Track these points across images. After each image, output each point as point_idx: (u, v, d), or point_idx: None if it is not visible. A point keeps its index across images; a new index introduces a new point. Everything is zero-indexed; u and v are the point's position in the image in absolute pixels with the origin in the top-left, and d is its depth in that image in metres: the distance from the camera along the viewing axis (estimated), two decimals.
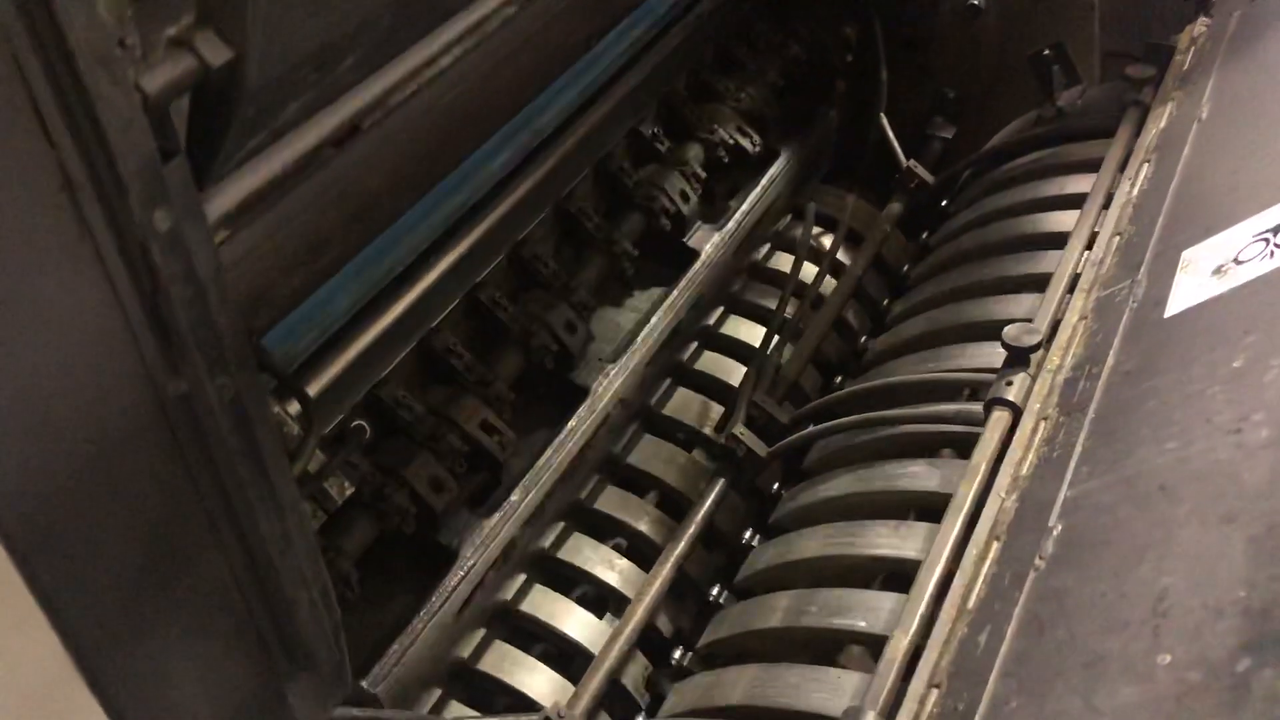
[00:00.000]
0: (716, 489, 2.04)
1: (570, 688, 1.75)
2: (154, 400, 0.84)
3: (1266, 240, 1.41)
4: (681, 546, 1.95)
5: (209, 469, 0.88)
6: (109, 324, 0.78)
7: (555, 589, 1.87)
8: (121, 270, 0.76)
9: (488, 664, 1.74)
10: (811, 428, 1.98)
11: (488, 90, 1.63)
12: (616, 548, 1.96)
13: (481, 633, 1.77)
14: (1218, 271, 1.45)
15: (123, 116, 0.71)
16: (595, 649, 1.80)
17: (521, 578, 1.86)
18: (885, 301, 2.45)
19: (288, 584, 1.00)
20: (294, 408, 1.34)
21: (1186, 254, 1.55)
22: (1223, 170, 1.73)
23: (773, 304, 2.24)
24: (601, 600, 1.91)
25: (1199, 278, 1.48)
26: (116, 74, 0.70)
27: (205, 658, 0.96)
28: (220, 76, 0.89)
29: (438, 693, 1.70)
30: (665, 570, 1.92)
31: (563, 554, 1.91)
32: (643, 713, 1.81)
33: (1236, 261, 1.43)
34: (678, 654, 1.90)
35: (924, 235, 2.51)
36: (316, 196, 1.37)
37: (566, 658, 1.83)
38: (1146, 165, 1.95)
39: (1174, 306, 1.48)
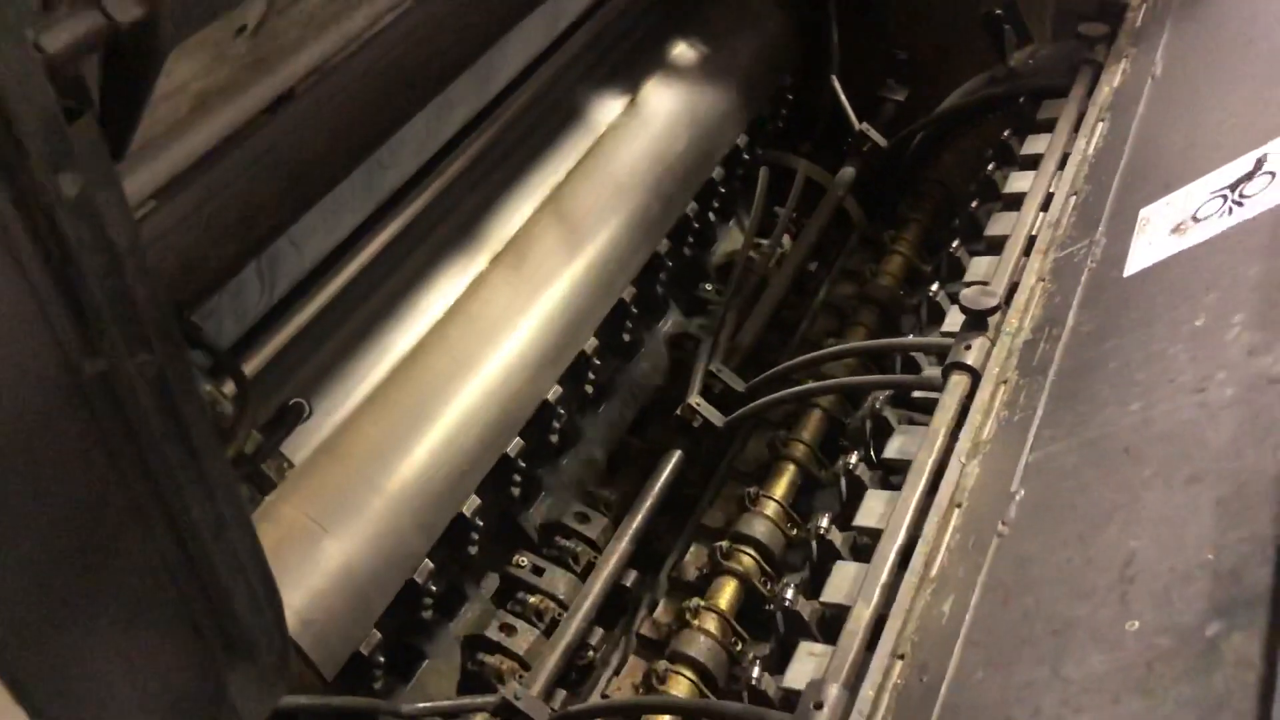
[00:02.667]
0: (674, 461, 2.00)
1: None
2: (70, 379, 0.78)
3: (1224, 197, 1.39)
4: (639, 520, 1.92)
5: (133, 451, 0.83)
6: (16, 298, 0.72)
7: None
8: (26, 239, 0.70)
9: None
10: (768, 396, 1.95)
11: (430, 51, 1.57)
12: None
13: None
14: (1176, 229, 1.43)
15: (16, 73, 0.65)
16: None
17: None
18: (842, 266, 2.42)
19: (223, 571, 0.95)
20: (230, 388, 1.28)
21: (1144, 212, 1.53)
22: (1178, 127, 1.71)
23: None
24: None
25: (1157, 236, 1.46)
26: (8, 28, 0.64)
27: (135, 650, 0.91)
28: (132, 36, 0.83)
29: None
30: (622, 545, 1.89)
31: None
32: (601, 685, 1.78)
33: (1195, 219, 1.41)
34: (637, 626, 1.87)
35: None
36: (250, 164, 1.31)
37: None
38: (1101, 124, 1.93)
39: (1133, 265, 1.46)
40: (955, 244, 2.11)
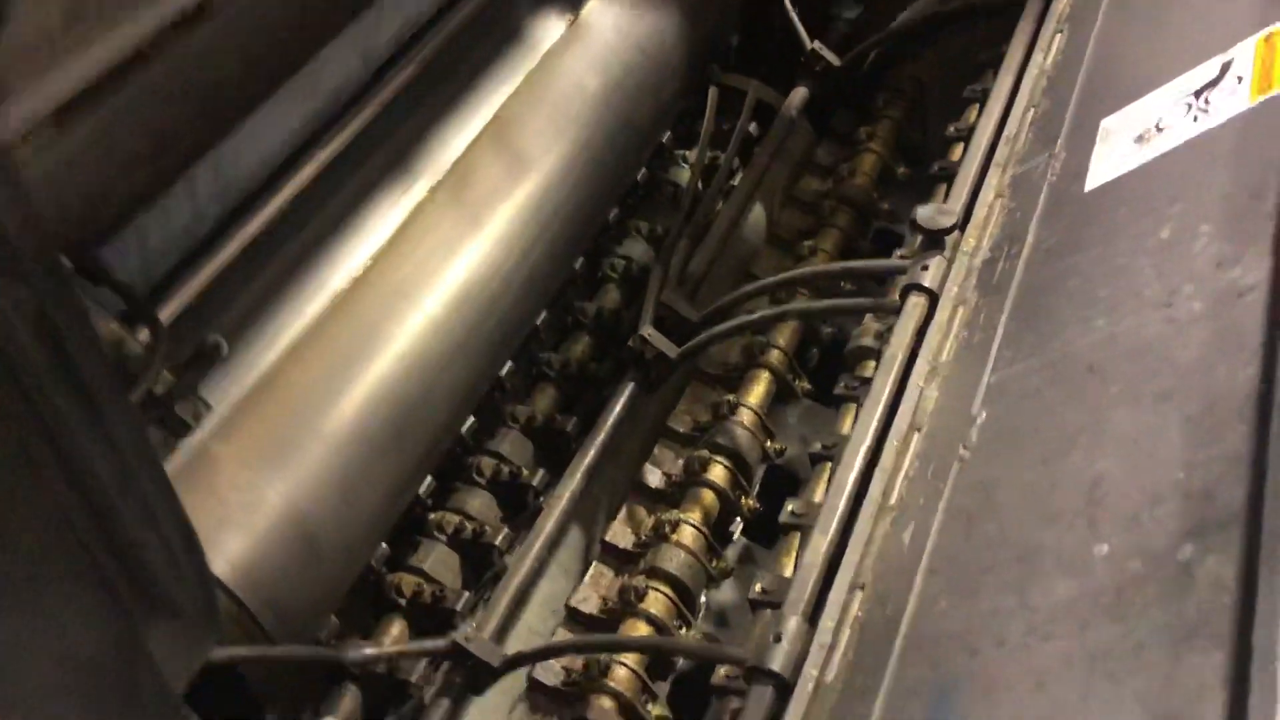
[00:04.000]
0: (627, 393, 1.94)
1: None
2: None
3: (1189, 104, 1.33)
4: (591, 455, 1.86)
5: (14, 395, 0.75)
6: None
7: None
8: None
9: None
10: (721, 325, 1.89)
11: None
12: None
13: None
14: (1140, 139, 1.37)
15: None
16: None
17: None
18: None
19: (131, 523, 0.87)
20: (144, 335, 1.20)
21: (1106, 123, 1.47)
22: (1139, 35, 1.65)
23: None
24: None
25: (1120, 147, 1.40)
26: None
27: (39, 612, 0.84)
28: None
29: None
30: (574, 482, 1.83)
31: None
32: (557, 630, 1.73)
33: (1158, 128, 1.36)
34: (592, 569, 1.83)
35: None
36: (159, 86, 1.22)
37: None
38: (1059, 35, 1.86)
39: (1095, 179, 1.41)
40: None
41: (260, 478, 1.51)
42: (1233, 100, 1.26)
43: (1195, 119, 1.30)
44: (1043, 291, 1.31)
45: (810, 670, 1.12)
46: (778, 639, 1.21)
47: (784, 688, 1.16)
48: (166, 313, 1.31)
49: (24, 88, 1.06)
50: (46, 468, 0.81)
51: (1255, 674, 0.71)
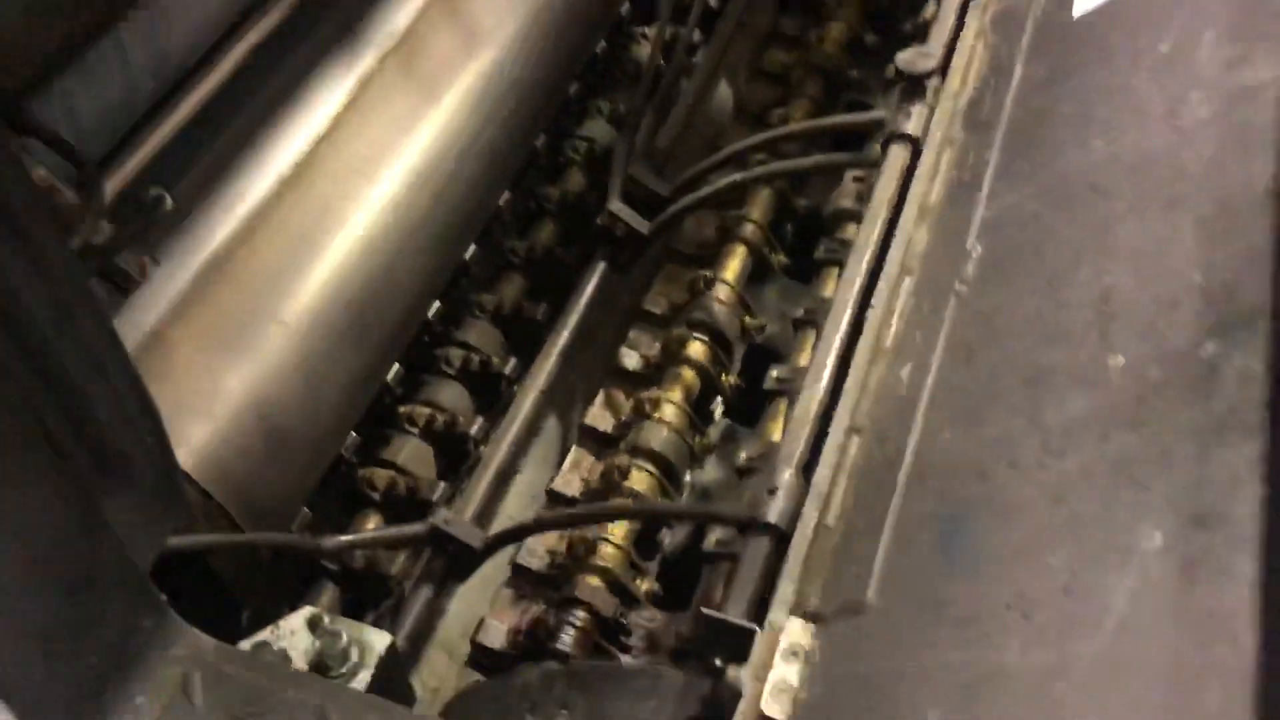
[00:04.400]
0: (598, 273, 1.87)
1: None
2: None
3: None
4: (564, 339, 1.80)
5: None
6: None
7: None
8: None
9: None
10: (693, 195, 1.82)
11: None
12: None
13: None
14: None
15: None
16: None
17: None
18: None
19: (75, 370, 0.80)
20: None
21: None
22: None
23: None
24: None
25: None
26: None
27: None
28: None
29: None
30: (548, 366, 1.77)
31: None
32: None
33: None
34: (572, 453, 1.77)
35: None
36: None
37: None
38: None
39: (1081, 5, 1.34)
40: None
41: (219, 362, 1.44)
42: None
43: None
44: (1035, 122, 1.25)
45: (810, 514, 1.07)
46: (772, 492, 1.16)
47: (782, 538, 1.11)
48: (109, 187, 1.22)
49: None
50: None
51: None
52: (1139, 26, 1.20)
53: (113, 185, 1.31)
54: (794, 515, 1.12)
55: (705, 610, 1.08)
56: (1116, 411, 0.84)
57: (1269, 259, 0.82)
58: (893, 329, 1.19)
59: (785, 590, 1.04)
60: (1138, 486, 0.78)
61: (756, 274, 1.96)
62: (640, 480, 1.62)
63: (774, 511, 1.14)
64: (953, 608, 0.84)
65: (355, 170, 1.62)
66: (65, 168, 1.11)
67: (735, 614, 1.09)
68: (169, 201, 1.23)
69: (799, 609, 1.00)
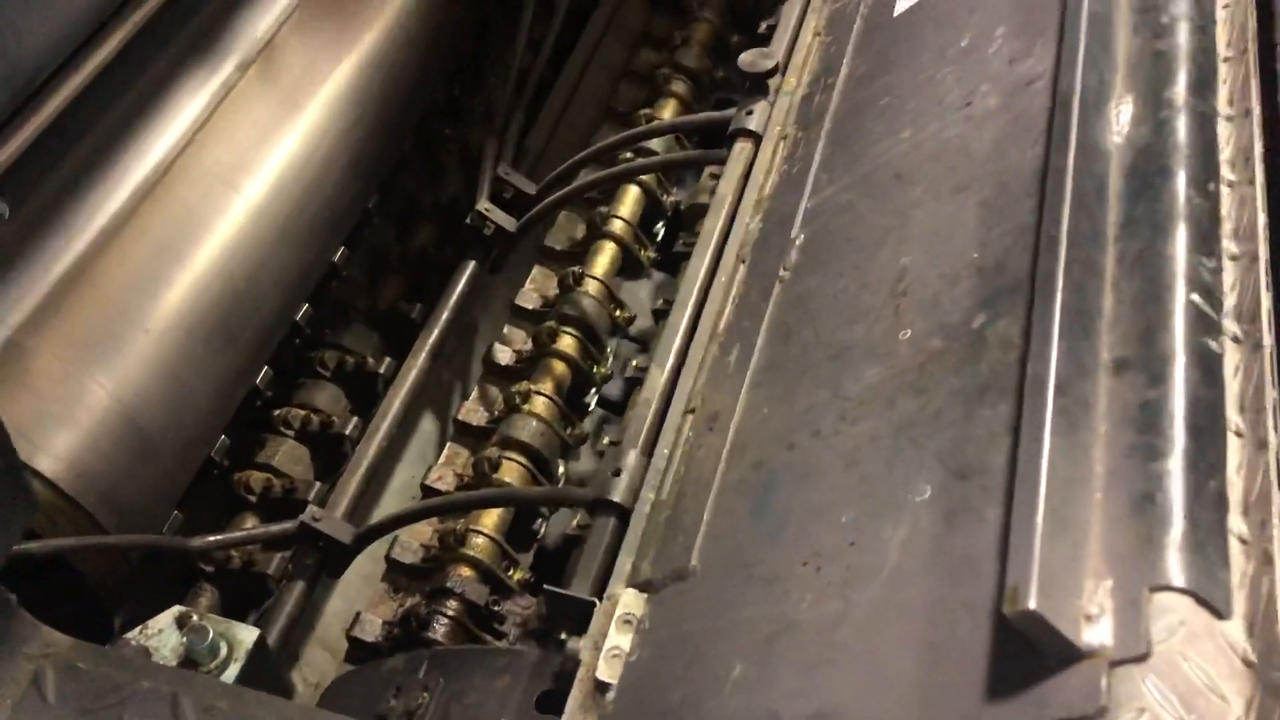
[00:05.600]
0: (469, 271, 1.91)
1: None
2: None
3: None
4: (435, 335, 1.84)
5: None
6: None
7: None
8: None
9: None
10: (558, 193, 1.87)
11: None
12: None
13: None
14: None
15: None
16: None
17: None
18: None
19: None
20: None
21: None
22: None
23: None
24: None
25: None
26: None
27: None
28: None
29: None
30: (419, 362, 1.81)
31: None
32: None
33: None
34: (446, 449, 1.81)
35: None
36: None
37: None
38: None
39: (901, 4, 1.42)
40: None
41: (80, 370, 1.45)
42: None
43: None
44: (856, 115, 1.33)
45: (646, 494, 1.14)
46: (617, 473, 1.22)
47: (624, 515, 1.17)
48: None
49: None
50: None
51: (1027, 410, 0.74)
52: (946, 23, 1.28)
53: None
54: (635, 493, 1.18)
55: (548, 588, 1.14)
56: (902, 380, 0.92)
57: (1032, 235, 0.90)
58: (725, 315, 1.25)
59: (623, 563, 1.09)
60: (916, 446, 0.85)
61: (629, 269, 2.02)
62: (510, 471, 1.67)
63: (617, 490, 1.20)
64: (760, 567, 0.90)
65: (217, 177, 1.64)
66: None
67: (581, 590, 1.15)
68: (6, 211, 1.24)
69: (634, 579, 1.06)
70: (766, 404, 1.06)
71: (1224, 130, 1.02)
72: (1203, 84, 0.98)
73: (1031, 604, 0.64)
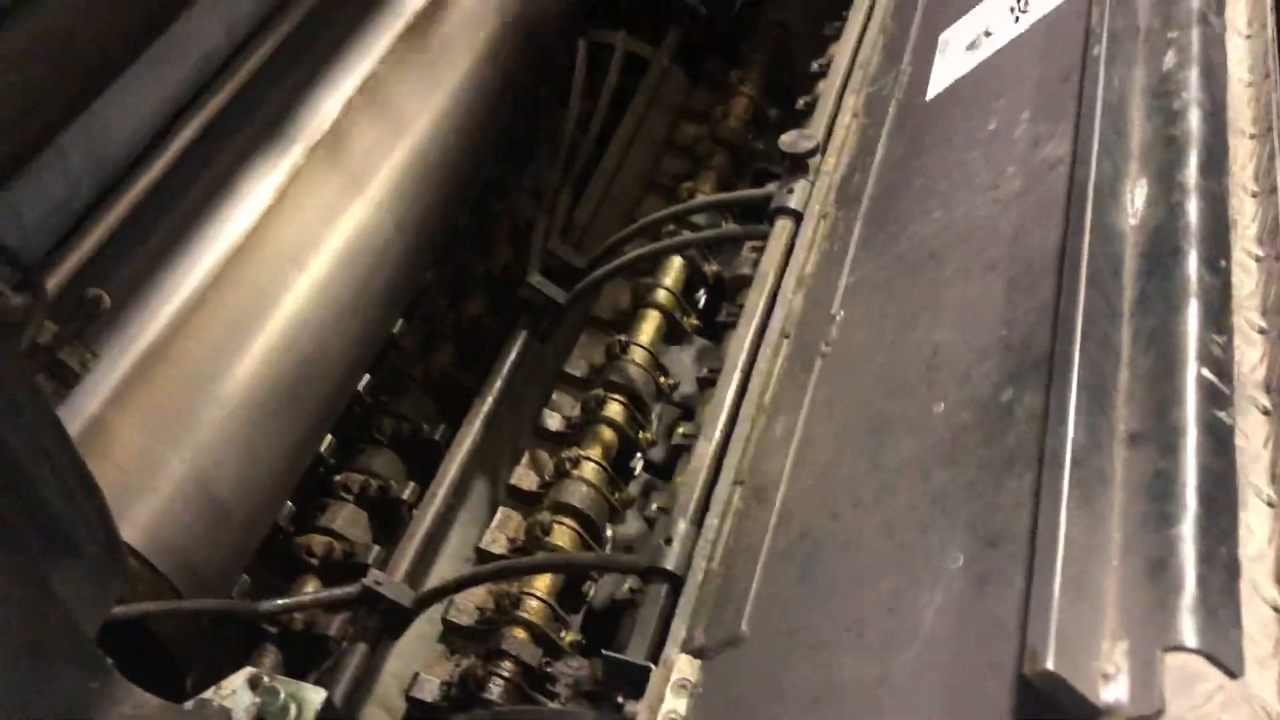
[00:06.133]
0: (520, 341, 2.00)
1: None
2: None
3: (1011, 8, 1.43)
4: (488, 404, 1.91)
5: None
6: None
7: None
8: None
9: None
10: (605, 267, 1.95)
11: None
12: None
13: None
14: (971, 46, 1.46)
15: None
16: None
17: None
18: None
19: (25, 459, 0.91)
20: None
21: (944, 36, 1.56)
22: None
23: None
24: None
25: (955, 56, 1.49)
26: None
27: None
28: None
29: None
30: (474, 430, 1.88)
31: None
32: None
33: (986, 34, 1.45)
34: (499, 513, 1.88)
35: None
36: (17, 52, 1.23)
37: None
38: None
39: (934, 88, 1.50)
40: None
41: (159, 443, 1.54)
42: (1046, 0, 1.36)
43: (1016, 19, 1.39)
44: (891, 196, 1.40)
45: (698, 563, 1.20)
46: (668, 541, 1.28)
47: (676, 582, 1.23)
48: (50, 284, 1.34)
49: None
50: None
51: (1045, 481, 0.79)
52: (974, 107, 1.35)
53: (54, 281, 1.42)
54: (687, 561, 1.24)
55: (606, 653, 1.20)
56: (937, 451, 0.97)
57: (1053, 311, 0.96)
58: (771, 388, 1.32)
59: (677, 629, 1.15)
60: (949, 516, 0.91)
61: (672, 337, 2.09)
62: (562, 535, 1.73)
63: (670, 559, 1.26)
64: (805, 633, 0.96)
65: (286, 256, 1.73)
66: (9, 271, 1.22)
67: (637, 655, 1.21)
68: (106, 301, 1.34)
69: (688, 646, 1.12)
70: (810, 476, 1.12)
71: (1250, 207, 1.08)
72: (1213, 166, 1.04)
73: (1050, 664, 0.69)
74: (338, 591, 1.62)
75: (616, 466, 1.88)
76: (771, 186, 1.85)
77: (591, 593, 1.80)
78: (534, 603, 1.66)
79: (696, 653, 1.10)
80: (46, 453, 0.94)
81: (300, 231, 1.76)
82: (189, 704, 1.31)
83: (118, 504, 1.49)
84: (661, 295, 2.04)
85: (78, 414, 1.44)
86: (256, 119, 1.80)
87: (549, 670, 1.63)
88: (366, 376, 1.89)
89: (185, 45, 1.60)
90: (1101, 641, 0.70)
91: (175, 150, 1.64)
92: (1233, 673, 0.70)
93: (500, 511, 1.88)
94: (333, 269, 1.78)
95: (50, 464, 0.95)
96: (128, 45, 1.44)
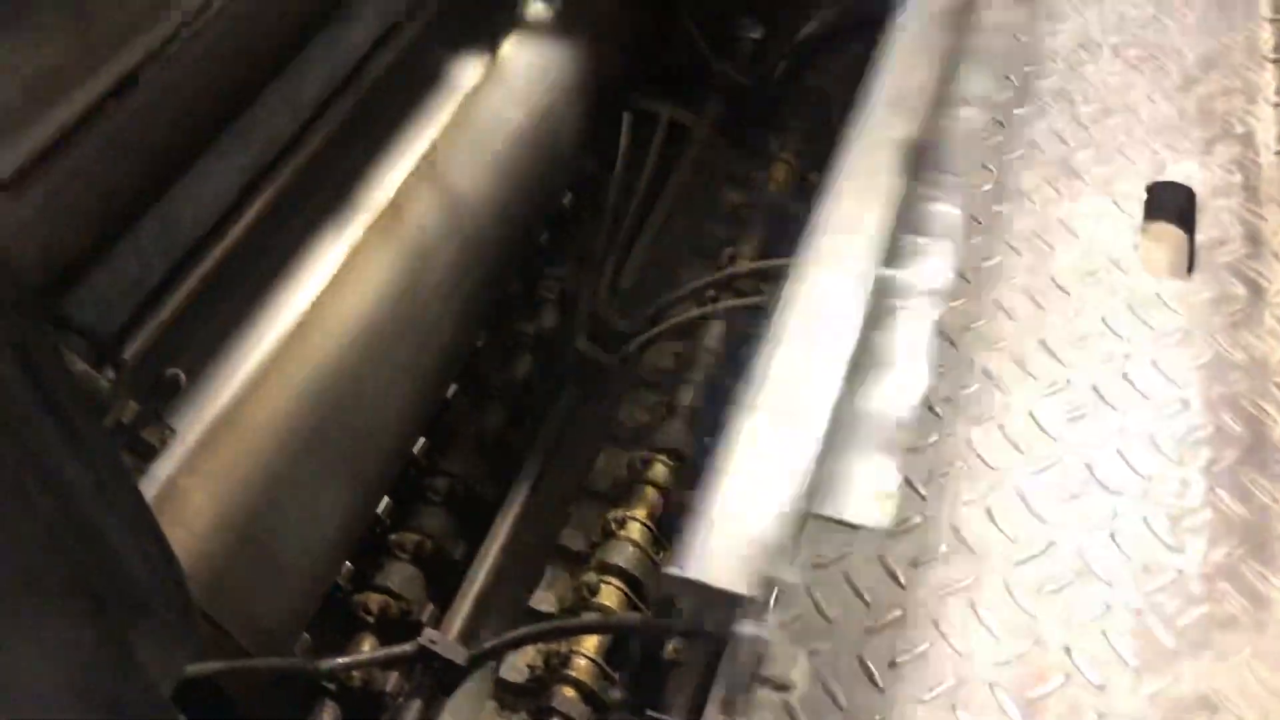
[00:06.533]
0: (567, 403, 2.06)
1: None
2: None
3: None
4: (537, 465, 1.98)
5: (3, 422, 0.86)
6: None
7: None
8: None
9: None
10: (649, 331, 2.02)
11: (274, 25, 1.59)
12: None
13: None
14: None
15: None
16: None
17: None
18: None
19: (111, 533, 0.99)
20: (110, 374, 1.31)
21: None
22: None
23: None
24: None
25: None
26: None
27: (34, 615, 0.95)
28: None
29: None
30: (523, 491, 1.95)
31: None
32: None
33: None
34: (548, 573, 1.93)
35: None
36: (102, 149, 1.33)
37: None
38: None
39: None
40: None
41: (227, 508, 1.62)
42: None
43: None
44: None
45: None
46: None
47: (719, 643, 1.28)
48: (127, 356, 1.43)
49: None
50: (32, 487, 0.92)
51: None
52: None
53: (129, 355, 1.51)
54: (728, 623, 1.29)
55: (651, 713, 1.25)
56: None
57: None
58: None
59: (716, 691, 1.20)
60: None
61: (715, 398, 2.14)
62: (609, 595, 1.78)
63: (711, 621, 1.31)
64: None
65: (346, 327, 1.82)
66: (90, 351, 1.31)
67: (679, 713, 1.26)
68: (183, 379, 1.43)
69: (728, 708, 1.16)
70: None
71: None
72: None
73: None
74: (395, 650, 1.69)
75: (662, 525, 1.93)
76: None
77: (637, 652, 1.84)
78: (582, 661, 1.72)
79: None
80: (130, 524, 1.01)
81: (360, 302, 1.85)
82: None
83: (189, 567, 1.58)
84: (704, 358, 2.10)
85: (153, 481, 1.52)
86: (319, 195, 1.90)
87: None
88: (421, 439, 1.96)
89: (254, 130, 1.70)
90: None
91: (242, 228, 1.74)
92: None
93: (549, 571, 1.93)
94: (391, 338, 1.86)
95: (134, 535, 1.02)
96: (202, 137, 1.53)
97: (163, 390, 1.43)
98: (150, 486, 1.51)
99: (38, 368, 0.88)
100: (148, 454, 1.41)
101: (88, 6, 1.04)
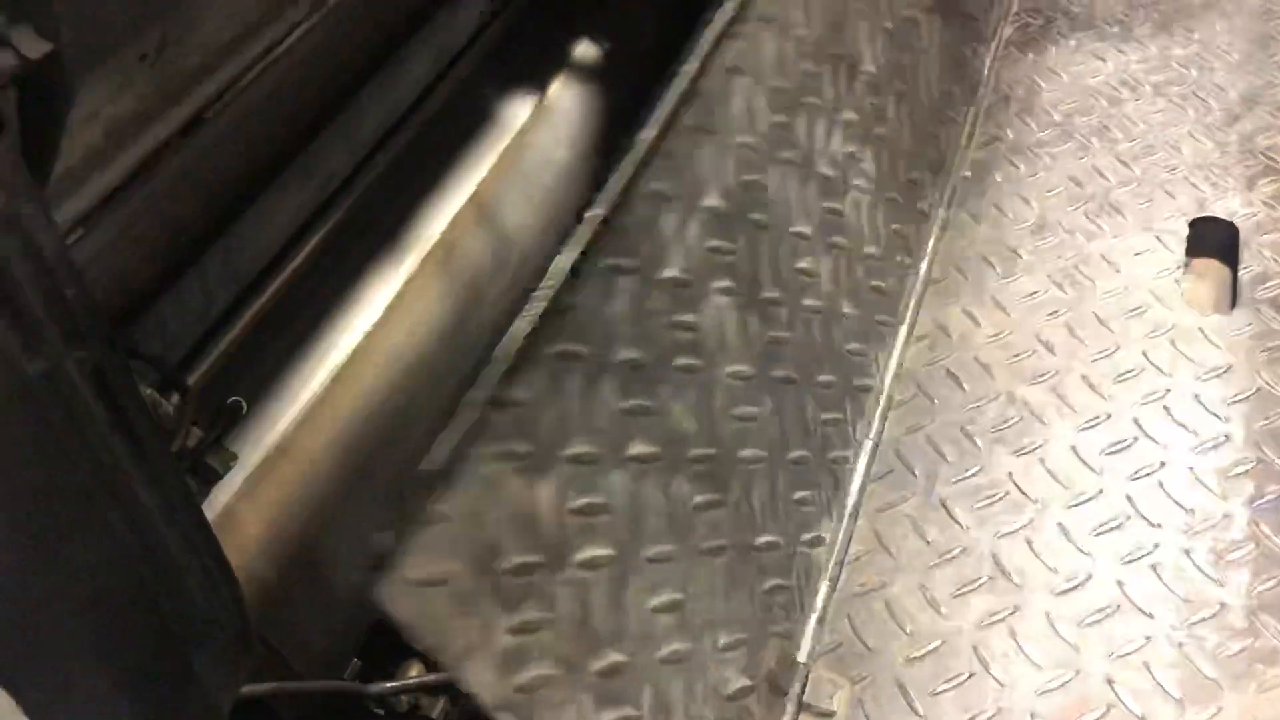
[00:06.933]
0: None
1: None
2: (15, 380, 0.86)
3: None
4: None
5: (79, 443, 0.91)
6: None
7: None
8: None
9: None
10: None
11: (334, 66, 1.65)
12: None
13: None
14: None
15: None
16: None
17: None
18: None
19: (176, 552, 1.03)
20: (174, 400, 1.37)
21: None
22: None
23: None
24: None
25: None
26: None
27: (100, 628, 0.99)
28: (42, 70, 0.91)
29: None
30: None
31: None
32: None
33: None
34: None
35: None
36: (170, 187, 1.39)
37: None
38: None
39: None
40: None
41: (282, 533, 1.66)
42: None
43: None
44: None
45: None
46: None
47: None
48: (190, 383, 1.48)
49: (55, 198, 1.24)
50: (105, 506, 0.97)
51: None
52: None
53: (192, 382, 1.57)
54: None
55: None
56: None
57: None
58: None
59: None
60: None
61: None
62: None
63: None
64: None
65: (398, 359, 1.87)
66: (156, 378, 1.37)
67: None
68: (244, 407, 1.48)
69: None
70: None
71: None
72: None
73: None
74: (443, 675, 1.71)
75: None
76: None
77: None
78: None
79: None
80: (195, 547, 1.06)
81: (411, 336, 1.90)
82: None
83: (244, 590, 1.63)
84: None
85: (213, 506, 1.57)
86: (373, 231, 1.95)
87: None
88: None
89: (313, 168, 1.76)
90: None
91: (300, 261, 1.80)
92: None
93: None
94: (441, 370, 1.90)
95: (198, 557, 1.07)
96: (264, 174, 1.59)
97: (225, 417, 1.48)
98: (210, 510, 1.56)
99: (112, 390, 0.93)
100: (211, 478, 1.45)
101: (166, 54, 1.09)
